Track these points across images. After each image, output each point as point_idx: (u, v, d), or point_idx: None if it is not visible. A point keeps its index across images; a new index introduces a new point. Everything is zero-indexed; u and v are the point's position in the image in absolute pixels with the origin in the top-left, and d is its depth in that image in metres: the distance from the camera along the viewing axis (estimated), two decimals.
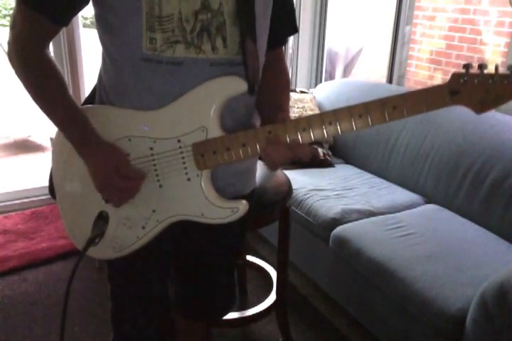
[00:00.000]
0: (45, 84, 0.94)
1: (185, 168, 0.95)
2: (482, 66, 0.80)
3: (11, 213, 2.73)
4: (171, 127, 0.94)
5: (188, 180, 0.96)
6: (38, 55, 0.92)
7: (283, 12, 1.05)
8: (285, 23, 1.08)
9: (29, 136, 4.49)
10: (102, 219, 1.01)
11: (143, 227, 1.00)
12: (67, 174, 1.05)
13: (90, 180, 0.97)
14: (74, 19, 2.46)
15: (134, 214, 1.00)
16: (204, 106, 0.92)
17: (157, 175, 0.97)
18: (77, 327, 1.89)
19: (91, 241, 0.98)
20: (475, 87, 0.81)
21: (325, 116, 0.88)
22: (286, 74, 1.12)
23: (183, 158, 0.95)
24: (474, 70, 0.82)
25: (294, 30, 1.11)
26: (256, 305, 1.81)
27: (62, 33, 2.50)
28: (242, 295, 2.12)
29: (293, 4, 1.10)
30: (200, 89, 0.92)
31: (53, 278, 2.21)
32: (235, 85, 0.92)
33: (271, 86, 1.05)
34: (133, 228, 1.00)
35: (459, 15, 3.68)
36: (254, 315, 1.77)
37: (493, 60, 3.49)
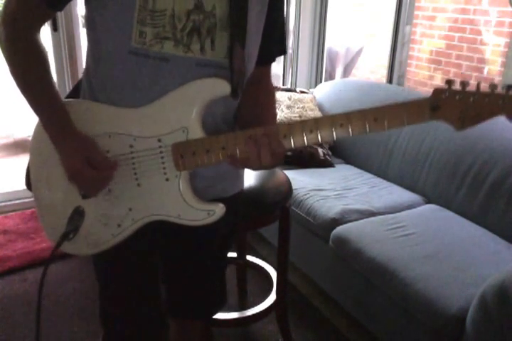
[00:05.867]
0: (32, 68, 0.93)
1: (164, 168, 0.95)
2: (464, 83, 0.80)
3: (11, 213, 2.73)
4: (152, 126, 0.94)
5: (167, 180, 0.96)
6: (29, 37, 0.92)
7: (274, 32, 1.04)
8: (275, 43, 1.07)
9: (29, 136, 4.47)
10: (78, 214, 1.00)
11: (118, 225, 1.00)
12: (44, 166, 1.04)
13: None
14: (74, 19, 2.48)
15: (110, 211, 0.99)
16: (186, 107, 0.92)
17: (135, 174, 0.96)
18: (76, 327, 1.89)
19: (65, 236, 0.98)
20: (455, 104, 0.81)
21: (306, 124, 0.88)
22: (273, 92, 1.12)
23: (162, 157, 0.94)
24: (457, 87, 0.81)
25: (283, 51, 1.11)
26: (256, 305, 1.80)
27: (62, 32, 2.50)
28: (242, 295, 2.12)
29: (284, 25, 1.09)
30: (184, 90, 0.91)
31: (53, 278, 2.21)
32: (219, 87, 0.92)
33: (257, 104, 1.04)
34: (108, 225, 1.00)
35: (459, 15, 3.68)
36: (254, 315, 1.76)
37: (493, 59, 3.49)
